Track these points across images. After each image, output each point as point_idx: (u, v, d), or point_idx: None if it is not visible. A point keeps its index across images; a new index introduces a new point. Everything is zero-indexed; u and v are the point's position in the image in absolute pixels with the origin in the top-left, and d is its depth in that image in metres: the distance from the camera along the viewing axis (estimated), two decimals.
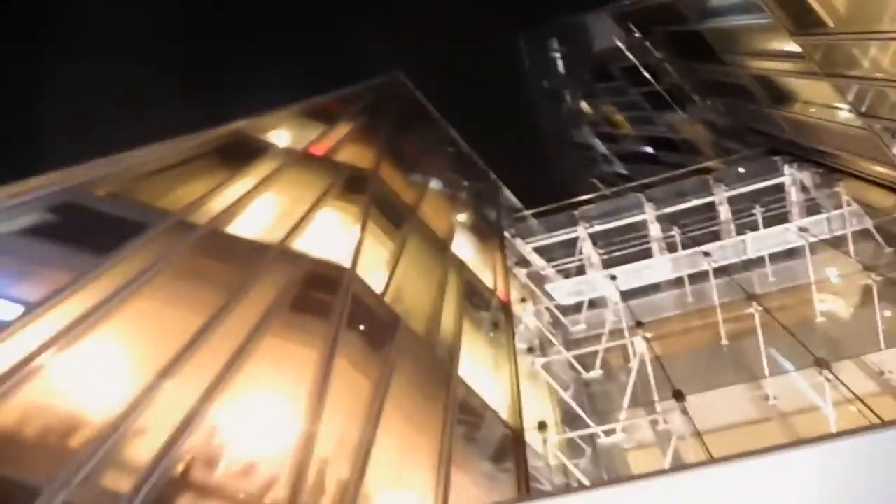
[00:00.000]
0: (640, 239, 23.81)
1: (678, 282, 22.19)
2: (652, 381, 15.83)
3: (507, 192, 28.99)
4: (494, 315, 17.92)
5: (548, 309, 20.66)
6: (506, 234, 24.05)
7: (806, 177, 22.22)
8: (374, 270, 13.66)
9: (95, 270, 10.16)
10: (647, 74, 31.72)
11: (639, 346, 15.65)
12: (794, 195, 22.51)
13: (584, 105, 43.09)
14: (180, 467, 7.72)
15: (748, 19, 18.27)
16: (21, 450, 7.39)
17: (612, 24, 30.92)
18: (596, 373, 18.33)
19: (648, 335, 15.76)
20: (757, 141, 25.51)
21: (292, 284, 11.67)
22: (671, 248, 23.02)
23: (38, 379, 8.05)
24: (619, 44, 31.36)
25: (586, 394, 18.36)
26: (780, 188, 23.05)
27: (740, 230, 22.42)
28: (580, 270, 23.74)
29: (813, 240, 19.23)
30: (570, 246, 24.24)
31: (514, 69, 54.25)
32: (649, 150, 38.86)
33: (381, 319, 12.44)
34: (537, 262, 23.49)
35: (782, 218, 22.36)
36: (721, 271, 20.60)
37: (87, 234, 11.59)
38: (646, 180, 24.63)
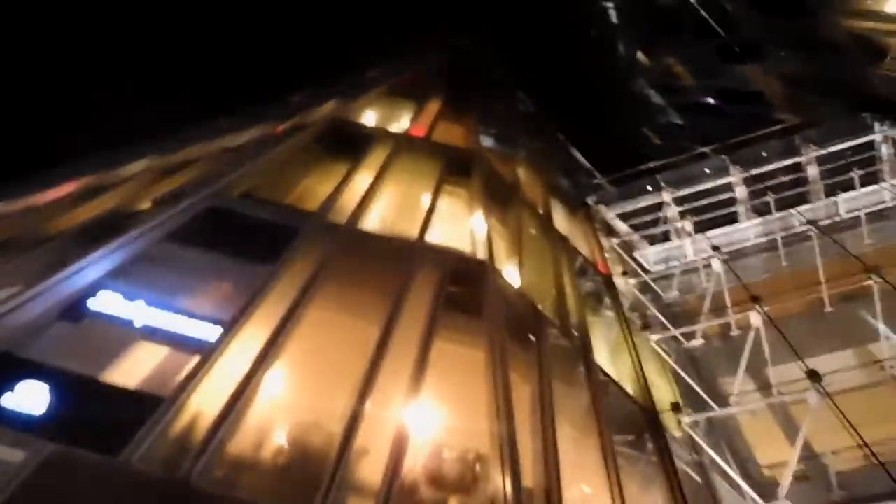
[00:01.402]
0: (725, 202, 23.70)
1: (767, 245, 22.07)
2: (766, 354, 16.01)
3: (578, 155, 28.81)
4: (599, 289, 18.14)
5: (641, 278, 20.78)
6: (588, 201, 24.04)
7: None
8: (505, 260, 13.89)
9: (270, 282, 10.52)
10: (716, 26, 30.92)
11: (755, 319, 15.79)
12: (885, 153, 22.12)
13: (640, 56, 42.16)
14: (408, 483, 8.16)
15: None
16: (265, 476, 7.87)
17: None
18: (697, 342, 18.60)
19: (765, 308, 15.84)
20: (841, 97, 24.95)
21: (442, 283, 11.93)
22: (757, 209, 22.91)
23: (258, 401, 8.47)
24: None
25: (688, 361, 18.57)
26: (868, 146, 22.63)
27: (828, 190, 22.19)
28: (665, 236, 23.76)
29: None
30: (652, 211, 24.20)
31: (560, 19, 53.07)
32: (712, 101, 38.08)
33: (527, 314, 12.73)
34: (622, 228, 23.51)
35: (871, 176, 22.06)
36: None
37: (242, 241, 11.92)
38: (732, 140, 24.22)
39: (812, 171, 22.48)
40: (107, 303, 9.87)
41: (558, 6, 51.83)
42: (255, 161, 14.54)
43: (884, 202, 21.13)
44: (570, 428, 11.34)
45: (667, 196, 23.12)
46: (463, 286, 12.29)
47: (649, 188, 25.08)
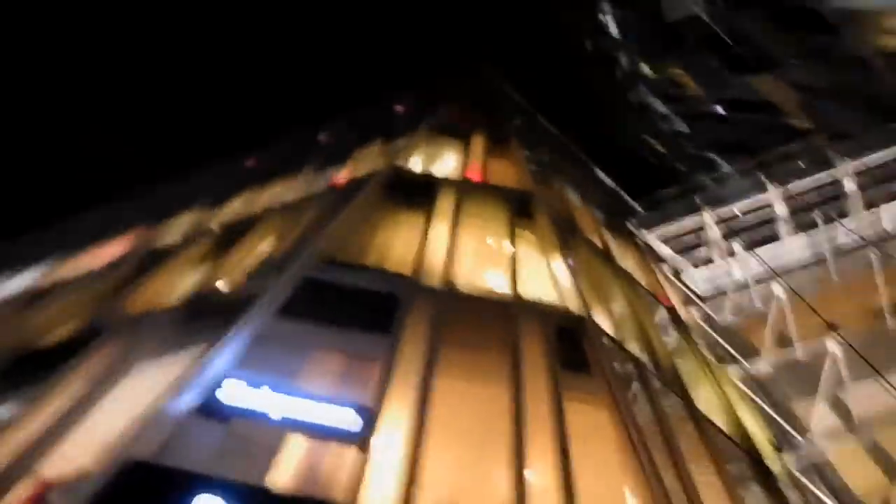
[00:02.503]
0: (763, 218, 23.96)
1: (814, 260, 22.30)
2: (846, 379, 16.21)
3: (605, 177, 29.02)
4: (664, 322, 18.24)
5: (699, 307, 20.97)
6: (629, 225, 24.22)
7: None
8: (594, 308, 13.94)
9: (390, 356, 10.52)
10: (727, 39, 31.39)
11: (831, 346, 16.01)
12: None
13: (643, 67, 42.67)
14: None
15: None
16: None
17: None
18: (765, 369, 18.80)
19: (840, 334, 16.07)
20: (865, 107, 25.42)
21: (549, 341, 11.95)
22: (799, 224, 23.16)
23: (426, 495, 8.44)
24: (699, 12, 30.95)
25: (756, 387, 18.70)
26: None
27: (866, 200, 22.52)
28: (707, 256, 23.96)
29: None
30: (691, 232, 24.45)
31: (552, 33, 53.55)
32: (719, 109, 38.59)
33: (628, 364, 12.80)
34: (665, 253, 23.70)
35: None
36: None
37: (344, 310, 11.89)
38: (762, 158, 24.61)
39: (849, 185, 22.76)
40: (235, 393, 9.76)
41: (548, 20, 52.30)
42: (331, 221, 14.51)
43: None
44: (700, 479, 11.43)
45: (708, 217, 23.36)
46: (570, 344, 12.31)
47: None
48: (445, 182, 17.28)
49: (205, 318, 11.66)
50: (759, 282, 21.12)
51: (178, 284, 14.14)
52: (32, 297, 16.72)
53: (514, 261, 14.27)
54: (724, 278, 22.66)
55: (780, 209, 23.45)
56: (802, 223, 23.03)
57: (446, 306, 12.18)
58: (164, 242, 17.77)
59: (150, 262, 16.13)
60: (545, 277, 14.46)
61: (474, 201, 16.60)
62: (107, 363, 10.79)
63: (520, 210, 16.74)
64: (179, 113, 39.76)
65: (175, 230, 18.81)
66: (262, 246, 14.89)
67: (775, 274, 19.39)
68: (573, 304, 13.27)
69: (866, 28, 21.31)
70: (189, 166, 27.55)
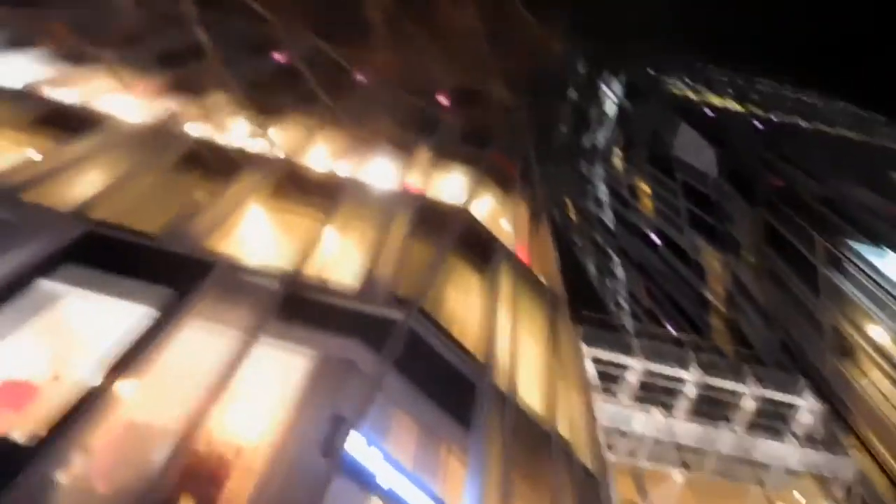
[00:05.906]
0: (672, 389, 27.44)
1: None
2: None
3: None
4: None
5: None
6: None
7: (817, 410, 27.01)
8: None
9: (480, 470, 11.68)
10: (713, 208, 34.95)
11: None
12: (804, 419, 27.21)
13: (616, 156, 45.59)
14: None
15: None
16: None
17: (712, 157, 33.60)
18: None
19: None
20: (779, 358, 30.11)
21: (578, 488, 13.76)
22: (697, 411, 26.88)
23: None
24: (708, 172, 34.16)
25: None
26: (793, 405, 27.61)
27: (751, 428, 26.80)
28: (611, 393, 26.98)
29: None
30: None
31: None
32: (655, 238, 42.36)
33: None
34: (591, 376, 26.28)
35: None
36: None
37: (429, 376, 12.78)
38: (697, 341, 28.23)
39: (748, 404, 26.89)
40: (359, 450, 10.44)
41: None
42: (417, 267, 15.01)
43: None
44: None
45: (637, 364, 26.35)
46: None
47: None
48: (504, 252, 18.06)
49: (309, 321, 12.04)
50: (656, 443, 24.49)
51: (247, 220, 14.30)
52: None
53: (553, 382, 15.74)
54: (623, 420, 25.73)
55: (690, 390, 27.08)
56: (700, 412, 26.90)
57: (515, 422, 13.38)
58: (218, 137, 17.09)
59: (209, 158, 15.62)
60: (568, 405, 16.20)
61: (526, 291, 17.78)
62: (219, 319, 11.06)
63: (552, 315, 18.25)
64: None
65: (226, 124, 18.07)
66: (341, 240, 15.13)
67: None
68: (588, 450, 15.24)
69: (840, 308, 25.61)
70: None
